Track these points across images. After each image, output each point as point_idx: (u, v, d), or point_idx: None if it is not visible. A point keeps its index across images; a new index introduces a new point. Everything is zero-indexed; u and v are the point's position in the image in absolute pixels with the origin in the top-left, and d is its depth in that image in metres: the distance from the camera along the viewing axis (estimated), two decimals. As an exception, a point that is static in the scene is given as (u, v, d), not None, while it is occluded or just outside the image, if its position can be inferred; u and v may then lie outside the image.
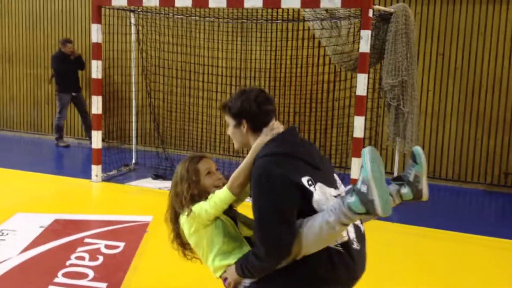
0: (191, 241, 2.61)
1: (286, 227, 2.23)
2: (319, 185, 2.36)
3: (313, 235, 2.19)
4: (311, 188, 2.30)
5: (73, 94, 9.30)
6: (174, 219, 2.70)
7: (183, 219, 2.59)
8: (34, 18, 10.10)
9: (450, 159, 7.74)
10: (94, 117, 7.09)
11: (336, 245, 2.28)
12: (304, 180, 2.31)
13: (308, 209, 2.28)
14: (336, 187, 2.49)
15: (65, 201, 6.20)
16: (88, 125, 9.21)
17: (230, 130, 2.57)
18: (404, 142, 6.35)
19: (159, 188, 6.75)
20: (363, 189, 2.09)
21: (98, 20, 6.91)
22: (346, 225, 2.17)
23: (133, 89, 8.20)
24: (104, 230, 5.09)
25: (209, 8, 7.58)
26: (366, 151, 2.16)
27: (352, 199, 2.12)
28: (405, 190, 2.54)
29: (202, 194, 2.61)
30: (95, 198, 6.77)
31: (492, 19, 7.42)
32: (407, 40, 6.26)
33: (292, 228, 2.23)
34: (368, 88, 6.42)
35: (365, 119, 6.02)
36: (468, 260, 4.81)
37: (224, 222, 2.56)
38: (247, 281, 2.44)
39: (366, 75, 5.82)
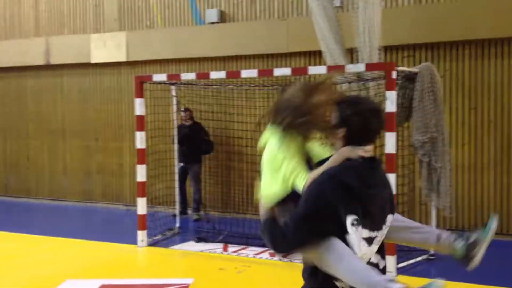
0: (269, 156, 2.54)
1: (303, 232, 2.26)
2: (361, 229, 2.30)
3: (346, 272, 2.23)
4: (350, 229, 2.26)
5: (182, 164, 8.90)
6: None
7: (276, 134, 2.48)
8: (85, 94, 10.86)
9: (491, 212, 7.65)
10: (139, 184, 7.48)
11: None
12: (349, 218, 2.26)
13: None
14: (378, 229, 2.40)
15: (112, 266, 6.51)
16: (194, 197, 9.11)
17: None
18: (438, 197, 6.39)
19: (201, 251, 6.98)
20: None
21: (140, 95, 7.43)
22: None
23: (176, 156, 8.60)
24: (147, 294, 5.32)
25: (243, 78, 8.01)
26: (493, 219, 2.35)
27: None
28: (459, 245, 2.48)
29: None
30: (140, 262, 7.05)
31: (522, 72, 7.52)
32: (434, 98, 6.43)
33: (306, 237, 2.27)
34: (399, 146, 6.59)
35: (397, 176, 6.13)
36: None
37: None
38: None
39: (394, 134, 5.99)
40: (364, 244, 2.33)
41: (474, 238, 2.46)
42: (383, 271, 2.47)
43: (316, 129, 2.44)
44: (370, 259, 2.40)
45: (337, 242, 2.25)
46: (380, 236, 2.41)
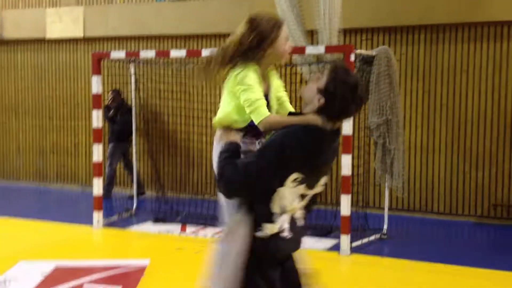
0: (226, 92, 2.86)
1: (251, 180, 2.46)
2: (301, 186, 2.54)
3: None
4: (289, 184, 2.49)
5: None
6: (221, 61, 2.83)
7: (237, 72, 2.78)
8: (39, 70, 10.56)
9: (441, 193, 7.93)
10: (95, 165, 7.38)
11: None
12: (294, 175, 2.47)
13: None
14: (313, 188, 2.64)
15: (67, 247, 6.43)
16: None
17: (309, 88, 2.57)
18: (391, 178, 6.57)
19: (159, 232, 6.97)
20: None
21: (98, 72, 7.28)
22: None
23: (133, 136, 8.51)
24: (102, 276, 5.29)
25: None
26: None
27: None
28: None
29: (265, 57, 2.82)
30: (95, 243, 6.99)
31: (474, 57, 7.74)
32: (390, 81, 6.56)
33: (253, 184, 2.47)
34: (355, 127, 6.71)
35: (353, 157, 6.26)
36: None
37: None
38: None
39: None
40: (298, 199, 2.58)
41: None
42: (303, 228, 2.70)
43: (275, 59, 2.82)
44: (294, 214, 2.62)
45: (246, 230, 2.53)
46: (312, 193, 2.66)
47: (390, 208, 7.09)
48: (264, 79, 2.89)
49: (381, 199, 7.69)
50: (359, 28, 8.09)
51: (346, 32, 7.40)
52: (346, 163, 6.08)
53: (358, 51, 6.45)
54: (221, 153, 2.58)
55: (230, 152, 2.57)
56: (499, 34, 7.59)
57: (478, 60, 7.72)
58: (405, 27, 7.99)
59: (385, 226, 6.83)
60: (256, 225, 2.55)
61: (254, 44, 2.76)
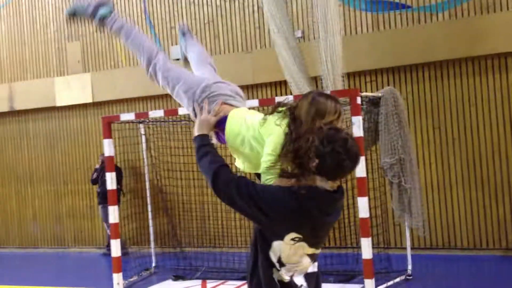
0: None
1: (233, 186, 2.49)
2: (306, 246, 2.50)
3: None
4: (287, 241, 2.46)
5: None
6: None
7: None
8: (51, 138, 10.72)
9: (462, 228, 7.79)
10: (112, 227, 7.35)
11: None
12: (292, 235, 2.45)
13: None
14: (320, 247, 2.63)
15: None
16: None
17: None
18: (411, 217, 6.48)
19: (179, 290, 6.88)
20: None
21: (109, 135, 7.37)
22: None
23: (148, 194, 8.52)
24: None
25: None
26: None
27: None
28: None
29: None
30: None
31: (481, 90, 7.77)
32: (399, 120, 6.59)
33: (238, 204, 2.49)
34: (369, 169, 6.70)
35: (369, 199, 6.21)
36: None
37: None
38: None
39: (363, 157, 6.10)
40: (307, 259, 2.55)
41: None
42: (317, 274, 2.68)
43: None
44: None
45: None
46: (319, 251, 2.65)
47: (412, 248, 6.97)
48: None
49: (402, 239, 7.57)
50: (362, 71, 8.20)
51: (349, 75, 7.50)
52: (363, 205, 6.02)
53: (364, 93, 6.51)
54: (200, 146, 2.70)
55: (209, 146, 2.70)
56: (503, 66, 7.64)
57: (485, 93, 7.75)
58: (408, 66, 8.08)
59: (409, 267, 6.69)
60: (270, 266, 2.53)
61: None
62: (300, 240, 2.46)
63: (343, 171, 2.43)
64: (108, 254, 8.71)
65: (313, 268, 2.63)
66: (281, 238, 2.46)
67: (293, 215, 2.42)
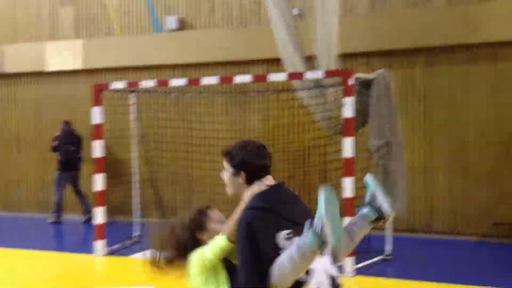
0: (196, 280, 2.89)
1: (257, 277, 2.45)
2: (296, 239, 2.53)
3: (280, 271, 2.42)
4: (285, 242, 2.50)
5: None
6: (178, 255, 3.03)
7: (193, 257, 2.85)
8: (40, 103, 10.63)
9: (442, 213, 7.93)
10: (97, 194, 7.38)
11: None
12: (282, 234, 2.52)
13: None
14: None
15: (69, 277, 6.39)
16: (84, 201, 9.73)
17: (226, 176, 2.75)
18: (394, 200, 6.56)
19: (162, 259, 6.92)
20: (318, 227, 2.32)
21: (98, 103, 7.35)
22: (308, 259, 2.39)
23: (135, 164, 8.51)
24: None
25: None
26: (322, 192, 2.38)
27: (309, 237, 2.35)
28: (365, 210, 2.70)
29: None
30: (98, 272, 6.95)
31: (471, 78, 7.84)
32: (389, 103, 6.63)
33: (263, 276, 2.44)
34: (357, 150, 6.75)
35: (356, 179, 6.28)
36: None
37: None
38: None
39: (352, 138, 6.16)
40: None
41: (368, 196, 2.73)
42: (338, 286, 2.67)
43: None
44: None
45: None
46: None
47: (393, 230, 7.08)
48: None
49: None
50: (356, 53, 8.21)
51: (343, 56, 7.50)
52: (348, 185, 6.10)
53: (358, 74, 6.53)
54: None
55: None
56: (493, 55, 7.71)
57: (476, 81, 7.82)
58: (402, 50, 8.11)
59: (388, 247, 6.81)
60: None
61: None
62: (291, 233, 2.54)
63: (264, 166, 2.68)
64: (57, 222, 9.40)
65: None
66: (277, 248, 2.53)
67: (260, 221, 2.53)
